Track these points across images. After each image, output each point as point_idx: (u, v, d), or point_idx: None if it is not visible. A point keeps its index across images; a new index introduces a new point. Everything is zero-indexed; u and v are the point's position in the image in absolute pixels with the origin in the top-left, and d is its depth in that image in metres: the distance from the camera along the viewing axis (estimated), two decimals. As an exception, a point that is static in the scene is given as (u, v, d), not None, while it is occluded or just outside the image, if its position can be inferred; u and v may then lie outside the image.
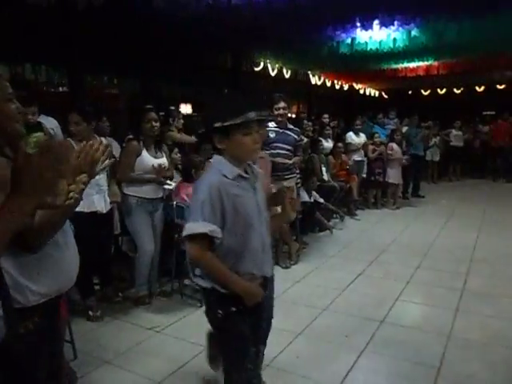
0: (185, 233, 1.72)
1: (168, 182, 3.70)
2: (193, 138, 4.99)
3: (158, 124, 3.55)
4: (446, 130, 10.35)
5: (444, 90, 14.00)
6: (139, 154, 3.46)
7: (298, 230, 5.22)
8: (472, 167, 10.75)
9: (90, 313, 3.42)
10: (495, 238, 5.51)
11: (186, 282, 3.94)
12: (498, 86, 13.19)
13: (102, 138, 3.53)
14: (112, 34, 5.58)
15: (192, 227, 1.69)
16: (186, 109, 8.55)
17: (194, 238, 1.70)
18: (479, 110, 12.95)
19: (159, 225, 3.69)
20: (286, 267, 4.56)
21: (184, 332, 3.18)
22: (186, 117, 6.90)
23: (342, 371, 2.65)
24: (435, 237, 5.62)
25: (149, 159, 3.49)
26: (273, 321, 3.32)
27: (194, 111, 8.83)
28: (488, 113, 12.16)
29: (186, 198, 3.65)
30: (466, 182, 10.24)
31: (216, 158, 1.79)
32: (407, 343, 2.97)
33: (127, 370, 2.72)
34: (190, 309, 3.56)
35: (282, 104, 4.43)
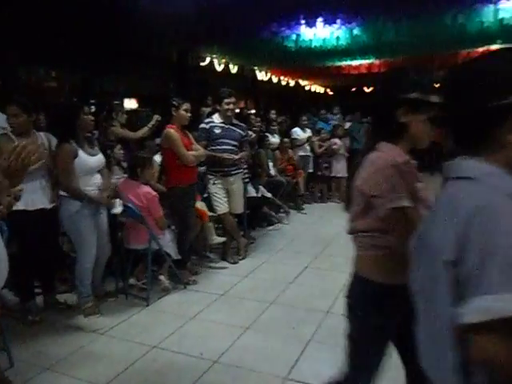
0: (482, 316, 0.82)
1: (116, 205, 3.60)
2: (137, 134, 4.86)
3: (92, 120, 3.38)
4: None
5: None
6: (76, 156, 3.18)
7: (246, 226, 5.25)
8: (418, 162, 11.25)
9: (30, 317, 3.25)
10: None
11: (131, 281, 3.85)
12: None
13: (41, 133, 3.36)
14: (48, 23, 5.29)
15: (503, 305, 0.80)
16: (130, 103, 8.32)
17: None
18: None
19: (105, 225, 3.47)
20: (235, 262, 4.57)
21: (129, 333, 3.10)
22: (130, 112, 6.72)
23: (290, 362, 2.71)
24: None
25: (86, 159, 3.23)
26: (221, 316, 3.36)
27: (140, 106, 8.61)
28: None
29: (133, 198, 3.55)
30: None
31: (483, 168, 0.94)
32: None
33: (69, 375, 2.62)
34: (136, 308, 3.48)
35: (232, 99, 4.42)
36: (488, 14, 5.84)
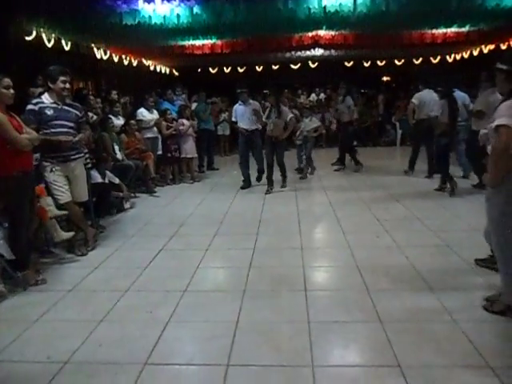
0: None
1: None
2: None
3: None
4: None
5: (230, 69, 14.97)
6: None
7: (93, 214, 4.91)
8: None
9: None
10: (278, 204, 6.29)
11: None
12: (274, 67, 14.86)
13: None
14: None
15: None
16: None
17: None
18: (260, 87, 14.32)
19: None
20: (83, 254, 4.24)
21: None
22: None
23: (148, 346, 2.64)
24: (229, 205, 6.07)
25: None
26: (69, 314, 3.10)
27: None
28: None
29: None
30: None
31: None
32: (208, 306, 3.14)
33: None
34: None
35: (68, 77, 4.02)
36: (313, 1, 6.39)
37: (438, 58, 13.66)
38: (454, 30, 8.94)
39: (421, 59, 14.11)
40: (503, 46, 10.79)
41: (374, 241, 4.38)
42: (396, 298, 3.13)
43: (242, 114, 6.86)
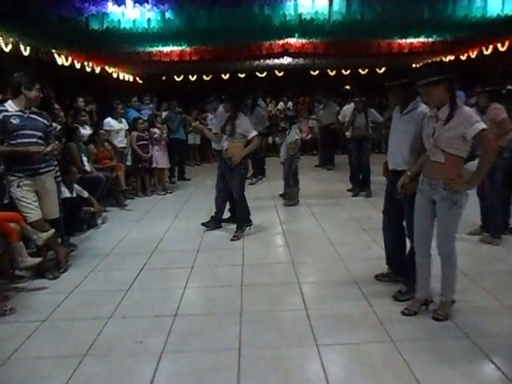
0: None
1: None
2: None
3: None
4: (203, 114, 10.86)
5: (195, 77, 14.69)
6: None
7: (64, 232, 4.49)
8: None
9: None
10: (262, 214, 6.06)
11: None
12: (240, 75, 14.72)
13: None
14: None
15: None
16: None
17: None
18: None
19: None
20: (55, 277, 3.84)
21: None
22: None
23: (144, 383, 2.35)
24: (208, 218, 5.76)
25: None
26: (47, 349, 2.73)
27: None
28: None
29: None
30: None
31: None
32: (203, 332, 2.87)
33: None
34: None
35: (37, 85, 3.67)
36: (290, 8, 6.27)
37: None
38: (421, 39, 9.13)
39: (383, 69, 14.41)
40: (463, 57, 11.19)
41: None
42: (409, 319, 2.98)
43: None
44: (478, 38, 8.88)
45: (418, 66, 12.50)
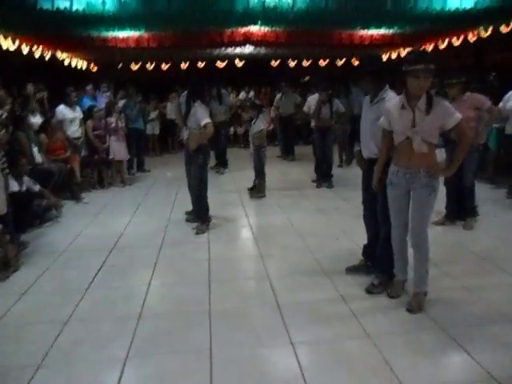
0: None
1: None
2: None
3: None
4: (162, 103, 10.51)
5: (153, 65, 14.17)
6: None
7: (13, 228, 4.14)
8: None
9: None
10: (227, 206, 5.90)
11: None
12: (200, 64, 14.35)
13: None
14: None
15: None
16: None
17: None
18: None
19: None
20: (4, 278, 3.53)
21: None
22: None
23: (107, 394, 2.16)
24: (171, 210, 5.54)
25: None
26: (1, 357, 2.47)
27: None
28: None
29: None
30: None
31: None
32: (171, 333, 2.69)
33: None
34: None
35: None
36: (253, -5, 6.10)
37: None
38: (381, 31, 9.20)
39: (344, 60, 14.50)
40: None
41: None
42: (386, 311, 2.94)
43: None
44: (436, 31, 9.07)
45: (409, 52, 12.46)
